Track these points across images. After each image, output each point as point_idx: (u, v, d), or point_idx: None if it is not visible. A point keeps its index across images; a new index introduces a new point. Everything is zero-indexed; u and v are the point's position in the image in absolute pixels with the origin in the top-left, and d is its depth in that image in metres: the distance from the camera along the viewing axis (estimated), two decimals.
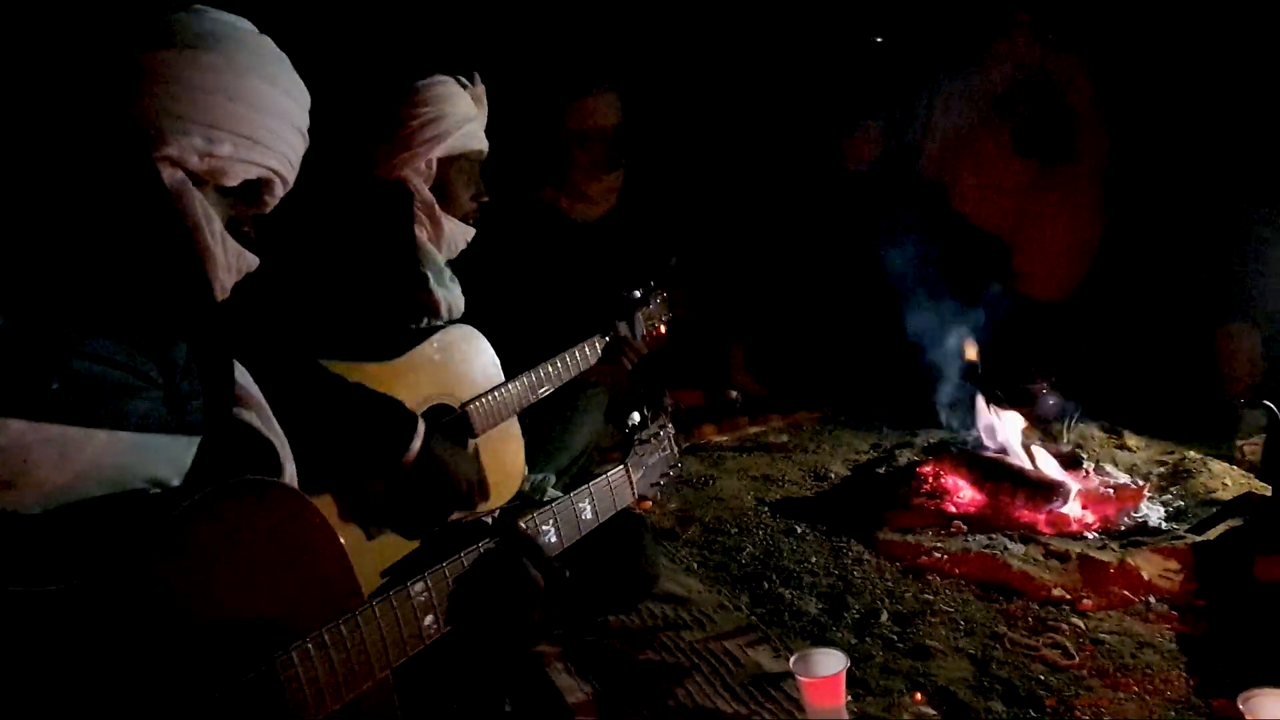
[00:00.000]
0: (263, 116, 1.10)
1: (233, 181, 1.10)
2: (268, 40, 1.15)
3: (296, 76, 1.17)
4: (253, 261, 1.16)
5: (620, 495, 1.62)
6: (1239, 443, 3.18)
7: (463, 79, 2.05)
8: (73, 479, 0.93)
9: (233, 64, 1.07)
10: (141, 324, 1.01)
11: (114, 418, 0.96)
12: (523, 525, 1.35)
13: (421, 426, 1.74)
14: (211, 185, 1.09)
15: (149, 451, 1.00)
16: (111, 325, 0.98)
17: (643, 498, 1.76)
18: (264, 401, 1.22)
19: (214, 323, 1.12)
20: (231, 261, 1.13)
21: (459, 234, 2.07)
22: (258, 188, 1.14)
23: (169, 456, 1.03)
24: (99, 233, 0.99)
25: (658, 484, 1.78)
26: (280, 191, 1.18)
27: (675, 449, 1.84)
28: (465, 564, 1.22)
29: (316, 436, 1.53)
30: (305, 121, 1.18)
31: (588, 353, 2.31)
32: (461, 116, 2.00)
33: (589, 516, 1.52)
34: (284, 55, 1.16)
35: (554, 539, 1.42)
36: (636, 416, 1.78)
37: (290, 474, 1.23)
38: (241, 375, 1.21)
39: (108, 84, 1.01)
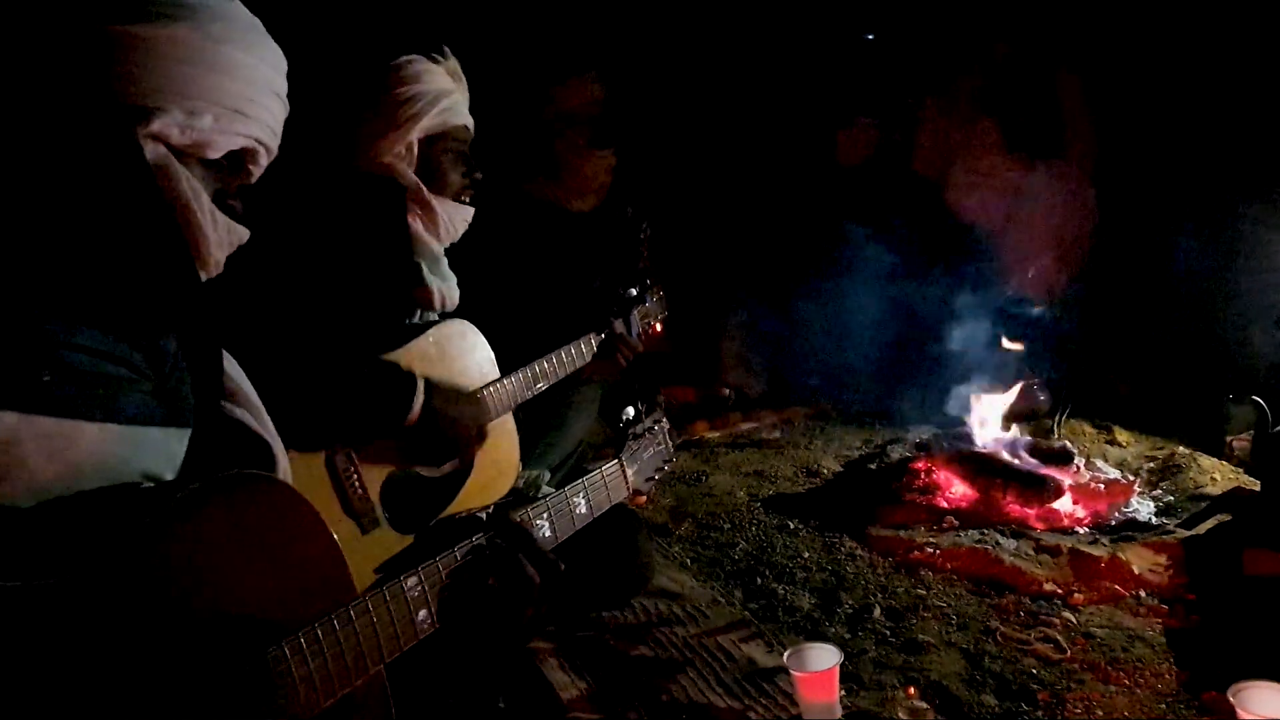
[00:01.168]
0: (242, 85, 1.09)
1: (216, 153, 1.09)
2: (239, 5, 1.13)
3: (271, 41, 1.15)
4: (243, 234, 1.14)
5: (615, 490, 1.62)
6: (1228, 438, 3.20)
7: (434, 54, 2.01)
8: (65, 472, 0.92)
9: (208, 34, 1.05)
10: (129, 314, 1.00)
11: (106, 410, 0.95)
12: (517, 518, 1.33)
13: (421, 384, 1.76)
14: (195, 159, 1.08)
15: (141, 444, 0.99)
16: (99, 316, 0.97)
17: (638, 492, 1.76)
18: (257, 400, 1.21)
19: (202, 312, 1.11)
20: (222, 236, 1.11)
21: (455, 215, 2.02)
22: (241, 158, 1.13)
23: (161, 449, 1.02)
24: (82, 219, 0.98)
25: (652, 479, 1.78)
26: (264, 160, 1.16)
27: (670, 443, 1.83)
28: (459, 557, 1.21)
29: (319, 408, 1.54)
30: (284, 86, 1.16)
31: (583, 349, 2.30)
32: (438, 92, 1.96)
33: (583, 511, 1.51)
34: (256, 20, 1.14)
35: (548, 533, 1.41)
36: (630, 411, 1.78)
37: (284, 470, 1.22)
38: (234, 370, 1.20)
39: (81, 60, 0.99)
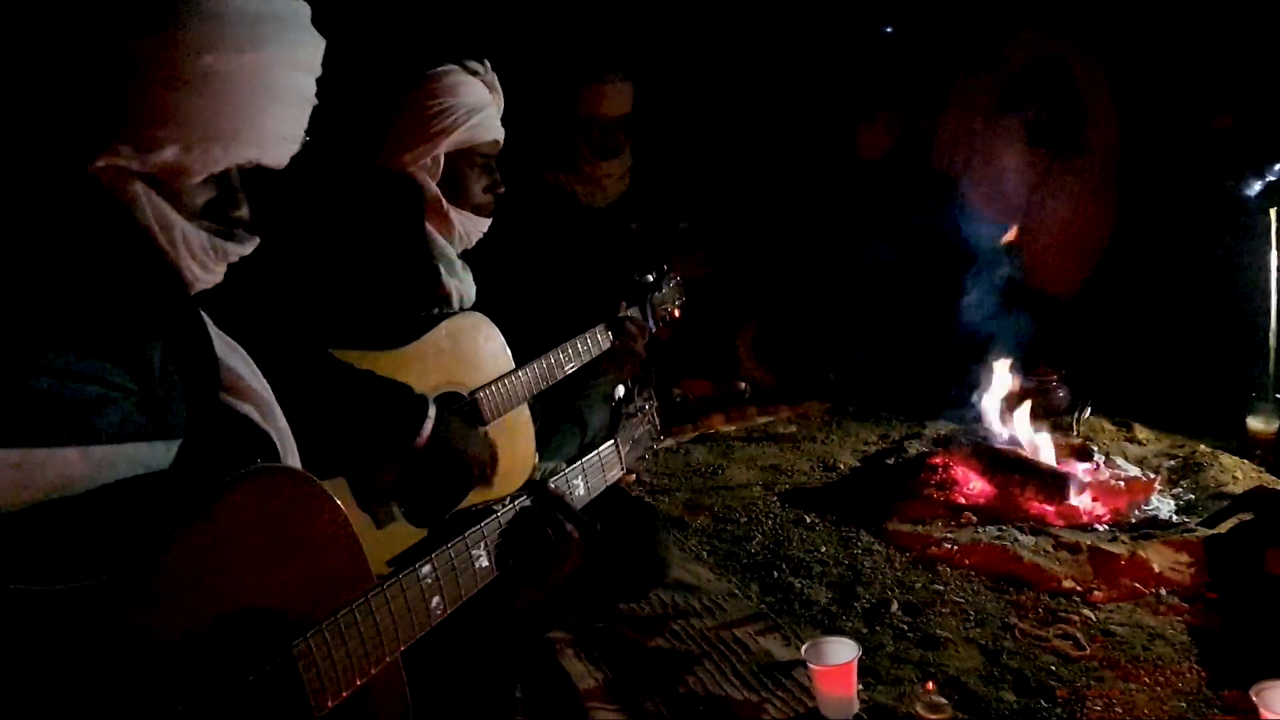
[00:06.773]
0: (284, 107, 1.05)
1: (196, 179, 1.03)
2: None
3: (298, 33, 1.07)
4: (242, 248, 1.09)
5: (610, 470, 1.63)
6: (1250, 435, 3.16)
7: (472, 65, 2.01)
8: (39, 496, 0.88)
9: (278, 60, 1.02)
10: (104, 330, 0.95)
11: (83, 433, 0.90)
12: (552, 485, 1.44)
13: (433, 410, 1.74)
14: (169, 185, 1.01)
15: (125, 461, 0.94)
16: (69, 337, 0.92)
17: (629, 471, 1.78)
18: (266, 394, 1.18)
19: (189, 316, 1.07)
20: (204, 258, 1.05)
21: (470, 227, 2.04)
22: (228, 175, 1.06)
23: (148, 463, 0.97)
24: (49, 244, 0.95)
25: (643, 457, 1.80)
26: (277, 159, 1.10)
27: (657, 421, 1.84)
28: (505, 520, 1.33)
29: (327, 424, 1.52)
30: (311, 86, 1.10)
31: (599, 339, 2.30)
32: (471, 106, 1.96)
33: (581, 493, 1.54)
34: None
35: (581, 492, 1.53)
36: (621, 390, 1.79)
37: (293, 465, 1.21)
38: (242, 365, 1.17)
39: (101, 74, 0.96)
